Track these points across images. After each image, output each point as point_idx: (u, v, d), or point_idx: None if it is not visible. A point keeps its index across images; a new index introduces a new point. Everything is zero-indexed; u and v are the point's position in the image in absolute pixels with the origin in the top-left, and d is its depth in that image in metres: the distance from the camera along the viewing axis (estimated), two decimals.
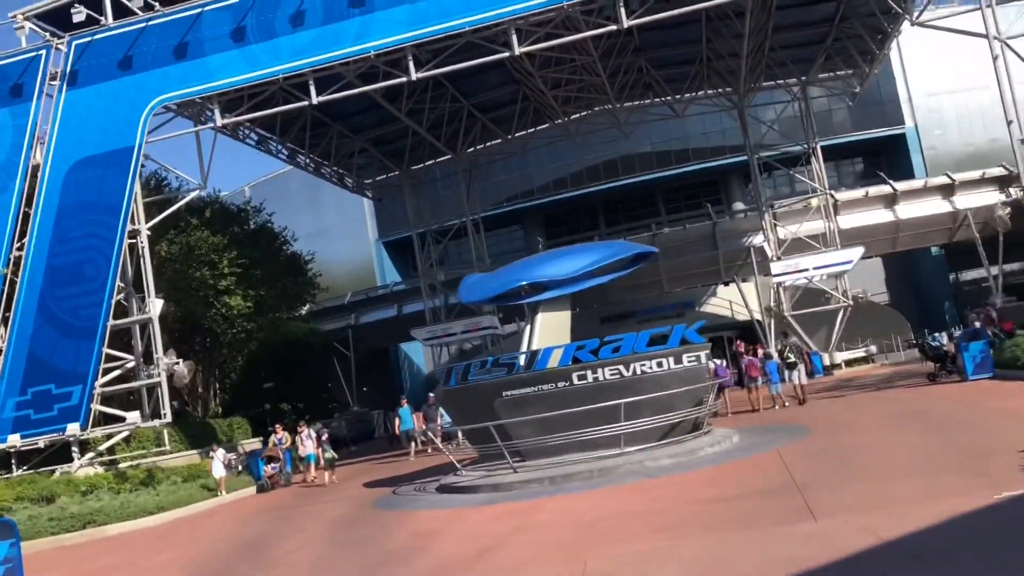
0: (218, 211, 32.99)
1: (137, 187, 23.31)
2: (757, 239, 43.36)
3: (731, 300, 46.95)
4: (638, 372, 15.28)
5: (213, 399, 50.79)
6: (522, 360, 15.97)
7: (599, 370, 15.32)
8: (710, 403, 16.22)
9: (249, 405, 50.50)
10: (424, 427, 25.51)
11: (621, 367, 15.30)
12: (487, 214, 47.33)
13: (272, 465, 23.49)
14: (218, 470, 22.35)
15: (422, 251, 42.43)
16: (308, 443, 23.46)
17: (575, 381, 15.37)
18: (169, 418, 22.84)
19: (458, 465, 16.77)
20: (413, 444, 25.60)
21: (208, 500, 22.20)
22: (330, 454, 21.88)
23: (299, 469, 24.26)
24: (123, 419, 24.19)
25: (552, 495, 13.27)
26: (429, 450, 24.82)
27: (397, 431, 25.72)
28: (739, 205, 53.49)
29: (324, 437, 23.13)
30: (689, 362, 15.50)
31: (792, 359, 24.66)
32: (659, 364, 15.35)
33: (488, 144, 42.86)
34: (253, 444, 34.44)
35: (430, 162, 43.02)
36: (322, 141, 36.59)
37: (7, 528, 11.45)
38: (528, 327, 16.79)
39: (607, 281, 17.43)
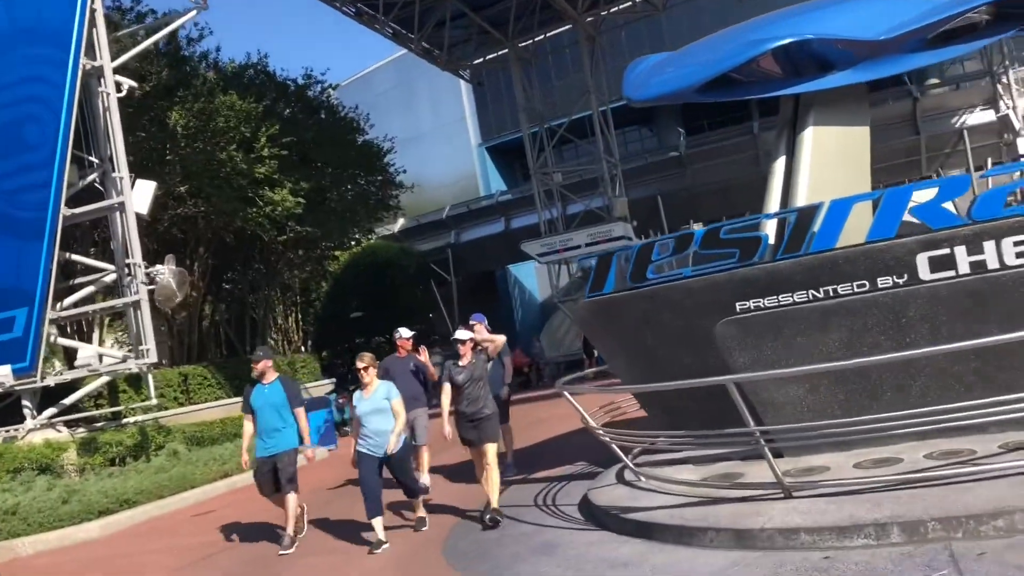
0: (256, 77, 24.23)
1: (96, 1, 15.03)
2: (973, 118, 32.87)
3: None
4: None
5: (296, 332, 44.63)
6: (772, 229, 6.98)
7: (986, 244, 6.24)
8: None
9: (337, 340, 43.75)
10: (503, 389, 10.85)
11: None
12: (613, 105, 37.74)
13: None
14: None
15: (533, 148, 33.60)
16: None
17: (924, 275, 6.32)
18: (152, 357, 14.76)
19: (624, 458, 8.01)
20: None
21: (216, 482, 14.45)
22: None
23: None
24: (115, 357, 16.77)
25: None
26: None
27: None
28: (933, 81, 42.06)
29: None
30: None
31: None
32: None
33: (615, 9, 33.50)
34: (324, 387, 26.90)
35: (540, 36, 33.99)
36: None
37: None
38: (781, 159, 7.54)
39: (960, 55, 7.84)
